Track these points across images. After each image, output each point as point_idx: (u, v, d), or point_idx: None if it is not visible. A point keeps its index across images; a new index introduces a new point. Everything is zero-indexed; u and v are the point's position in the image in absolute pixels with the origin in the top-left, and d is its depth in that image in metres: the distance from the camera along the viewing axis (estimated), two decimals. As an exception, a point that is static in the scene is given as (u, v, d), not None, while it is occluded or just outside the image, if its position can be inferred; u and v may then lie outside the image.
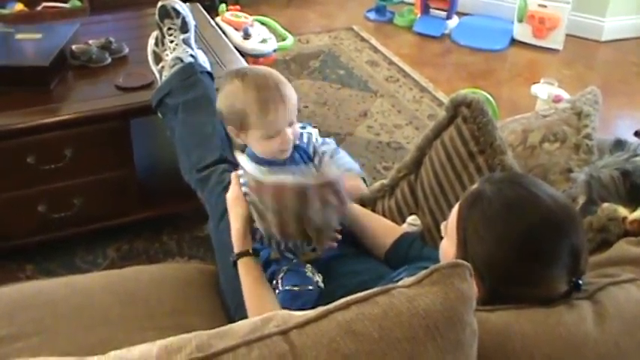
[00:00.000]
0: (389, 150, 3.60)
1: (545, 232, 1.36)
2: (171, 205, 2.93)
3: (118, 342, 1.06)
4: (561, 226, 1.37)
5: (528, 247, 1.35)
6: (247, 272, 1.83)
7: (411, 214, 2.08)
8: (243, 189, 1.86)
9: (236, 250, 1.85)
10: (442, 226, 1.57)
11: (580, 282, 1.35)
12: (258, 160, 1.92)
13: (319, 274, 1.88)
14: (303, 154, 2.02)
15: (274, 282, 1.85)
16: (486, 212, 1.41)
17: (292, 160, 1.98)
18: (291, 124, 1.89)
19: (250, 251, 1.84)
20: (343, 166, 2.10)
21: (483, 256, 1.37)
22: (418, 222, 2.00)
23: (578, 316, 1.29)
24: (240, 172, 1.91)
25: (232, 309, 1.94)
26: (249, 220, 1.87)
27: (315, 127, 2.11)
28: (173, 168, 2.45)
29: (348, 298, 1.07)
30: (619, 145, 1.84)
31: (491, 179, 1.50)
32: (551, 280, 1.35)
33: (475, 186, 1.50)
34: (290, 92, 1.88)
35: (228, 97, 1.90)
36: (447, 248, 1.52)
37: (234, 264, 1.84)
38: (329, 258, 1.92)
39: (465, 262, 1.11)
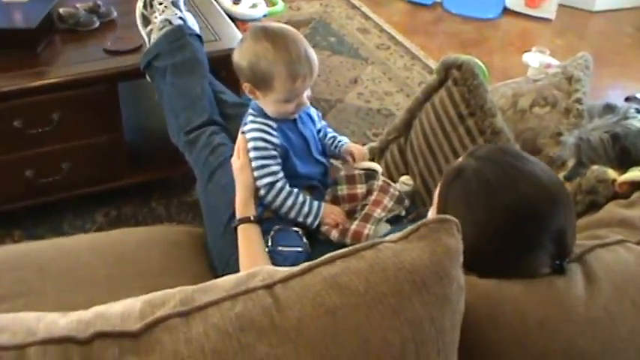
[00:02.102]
0: (379, 117, 3.59)
1: (523, 218, 1.30)
2: (160, 170, 2.91)
3: (105, 302, 1.05)
4: (542, 211, 1.31)
5: (505, 233, 1.31)
6: (246, 238, 1.83)
7: (402, 174, 2.08)
8: None
9: (238, 215, 1.86)
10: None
11: (564, 265, 1.30)
12: (266, 116, 1.91)
13: (307, 239, 1.89)
14: (306, 116, 2.02)
15: (264, 241, 1.86)
16: (465, 192, 1.37)
17: (301, 120, 1.97)
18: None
19: (252, 218, 1.85)
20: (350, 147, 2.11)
21: (462, 236, 1.29)
22: (411, 182, 2.00)
23: (568, 280, 1.28)
24: (248, 135, 1.90)
25: (220, 270, 1.94)
26: (253, 189, 1.88)
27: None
28: (162, 132, 2.43)
29: (334, 253, 1.06)
30: (609, 109, 1.84)
31: (475, 155, 1.43)
32: (531, 264, 1.31)
33: (459, 160, 1.45)
34: (316, 61, 1.86)
35: (254, 56, 1.84)
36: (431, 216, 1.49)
37: (235, 229, 1.85)
38: (319, 221, 1.92)
39: (453, 218, 1.10)
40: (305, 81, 1.83)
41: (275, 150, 1.89)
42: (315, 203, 1.91)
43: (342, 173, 2.00)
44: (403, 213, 1.92)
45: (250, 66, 1.84)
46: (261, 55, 1.82)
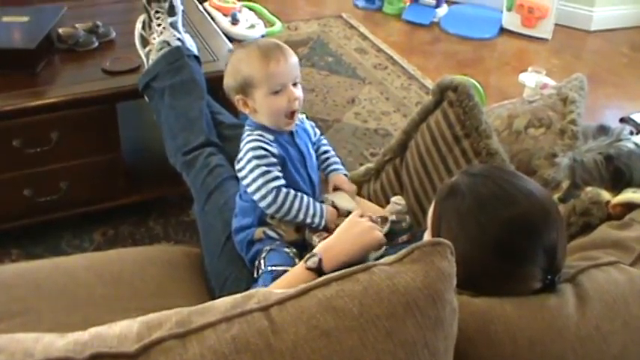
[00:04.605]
0: (376, 137, 3.60)
1: (516, 234, 1.32)
2: (157, 190, 2.92)
3: (101, 322, 1.06)
4: (534, 227, 1.33)
5: (499, 248, 1.32)
6: (301, 280, 1.66)
7: (395, 194, 2.09)
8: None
9: (327, 265, 1.69)
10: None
11: (555, 280, 1.33)
12: (262, 129, 1.94)
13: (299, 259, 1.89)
14: (301, 130, 2.05)
15: (257, 262, 1.86)
16: (459, 209, 1.38)
17: (297, 134, 2.01)
18: (295, 84, 1.92)
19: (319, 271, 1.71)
20: (341, 171, 2.13)
21: (455, 252, 1.24)
22: (402, 202, 2.01)
23: (560, 299, 1.30)
24: (247, 146, 1.94)
25: (217, 291, 1.94)
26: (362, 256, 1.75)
27: (302, 113, 2.12)
28: (160, 152, 2.44)
29: (329, 275, 1.07)
30: (602, 130, 1.85)
31: (468, 172, 1.46)
32: (524, 279, 1.33)
33: (453, 178, 1.47)
34: (289, 50, 1.94)
35: (234, 66, 1.94)
36: (427, 239, 1.50)
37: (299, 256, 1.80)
38: (312, 241, 1.93)
39: (447, 241, 1.11)
40: (280, 64, 1.88)
41: (274, 158, 1.91)
42: (318, 204, 1.95)
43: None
44: (388, 227, 1.92)
45: (234, 76, 1.94)
46: (238, 61, 1.93)
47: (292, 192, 1.91)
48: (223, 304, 1.05)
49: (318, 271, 1.66)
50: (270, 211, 1.90)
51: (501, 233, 1.33)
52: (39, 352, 0.94)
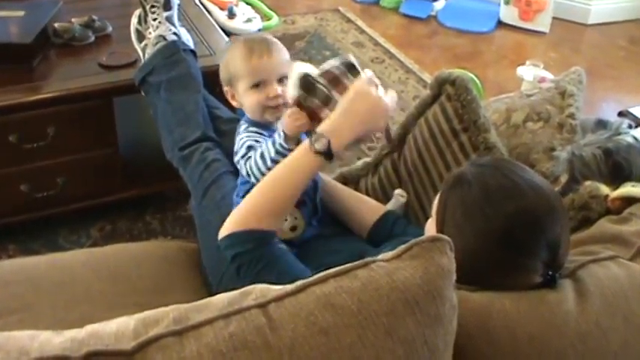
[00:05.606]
0: (374, 131, 3.59)
1: (521, 226, 1.33)
2: (155, 184, 2.92)
3: (99, 318, 1.05)
4: (539, 220, 1.33)
5: (503, 240, 1.33)
6: (304, 165, 1.67)
7: (393, 188, 2.08)
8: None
9: (335, 145, 1.65)
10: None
11: (556, 276, 1.32)
12: (254, 123, 1.93)
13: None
14: None
15: None
16: (465, 198, 1.39)
17: None
18: (280, 81, 1.89)
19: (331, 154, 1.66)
20: None
21: (457, 242, 1.20)
22: (405, 194, 2.01)
23: (559, 294, 1.29)
24: (243, 135, 1.90)
25: (214, 286, 1.93)
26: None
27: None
28: (157, 147, 2.43)
29: (327, 271, 1.06)
30: (601, 124, 1.84)
31: (476, 162, 1.47)
32: (525, 272, 1.32)
33: (460, 168, 1.47)
34: (278, 47, 1.91)
35: (225, 59, 1.96)
36: (430, 227, 1.50)
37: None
38: (309, 238, 1.91)
39: (446, 237, 1.11)
40: (263, 57, 1.87)
41: None
42: (274, 133, 1.85)
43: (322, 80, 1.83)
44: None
45: (225, 68, 1.95)
46: (229, 54, 1.95)
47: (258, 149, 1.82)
48: (221, 300, 1.04)
49: (327, 153, 1.64)
50: (253, 179, 1.81)
51: (506, 225, 1.33)
52: (35, 350, 0.93)
